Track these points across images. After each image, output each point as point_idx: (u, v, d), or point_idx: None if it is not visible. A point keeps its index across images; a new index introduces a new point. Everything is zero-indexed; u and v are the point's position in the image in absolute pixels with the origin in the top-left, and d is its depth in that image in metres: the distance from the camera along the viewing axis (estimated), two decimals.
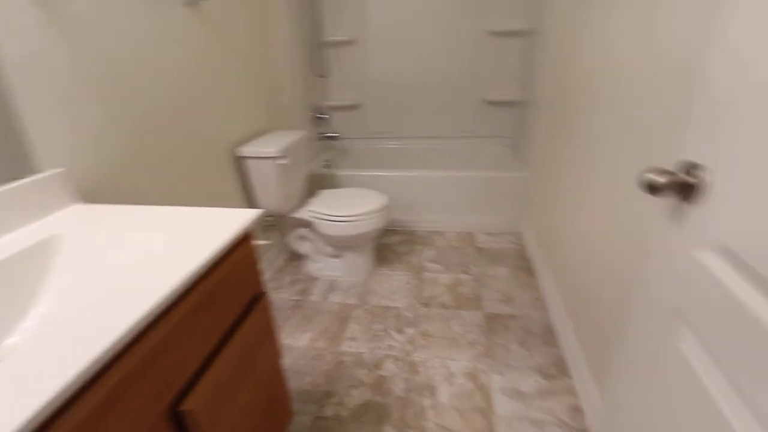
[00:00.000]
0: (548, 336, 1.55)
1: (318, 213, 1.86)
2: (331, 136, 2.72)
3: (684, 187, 0.60)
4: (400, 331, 1.63)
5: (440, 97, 2.62)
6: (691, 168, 0.60)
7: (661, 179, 0.60)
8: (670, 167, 0.62)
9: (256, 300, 0.93)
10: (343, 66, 2.62)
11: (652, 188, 0.61)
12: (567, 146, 1.56)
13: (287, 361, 1.52)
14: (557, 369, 1.41)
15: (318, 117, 2.59)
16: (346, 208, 1.83)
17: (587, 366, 1.26)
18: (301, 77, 2.19)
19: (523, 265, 2.00)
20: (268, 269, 2.03)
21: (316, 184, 2.41)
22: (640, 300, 0.75)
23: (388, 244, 2.29)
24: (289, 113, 2.20)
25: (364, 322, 1.70)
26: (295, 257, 2.19)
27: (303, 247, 2.06)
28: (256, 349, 0.93)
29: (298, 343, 1.60)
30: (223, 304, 0.79)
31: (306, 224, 1.96)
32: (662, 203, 0.68)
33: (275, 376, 1.05)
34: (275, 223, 2.04)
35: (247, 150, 1.70)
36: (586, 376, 1.25)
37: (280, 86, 2.11)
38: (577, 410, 1.25)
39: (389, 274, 2.01)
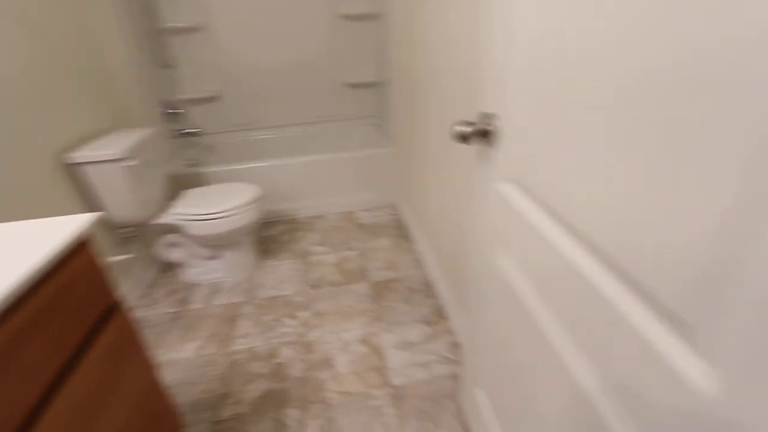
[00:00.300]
0: (428, 289, 1.73)
1: (185, 214, 1.72)
2: (191, 132, 2.50)
3: (485, 134, 0.73)
4: (292, 317, 1.63)
5: (303, 83, 2.62)
6: (488, 118, 0.73)
7: (468, 129, 0.73)
8: (474, 119, 0.75)
9: (109, 313, 0.84)
10: (193, 55, 2.41)
11: (463, 137, 0.73)
12: (415, 117, 1.72)
13: (174, 376, 1.40)
14: (438, 315, 1.58)
15: (170, 112, 2.35)
16: (216, 205, 1.73)
17: (459, 305, 1.45)
18: (139, 69, 1.96)
19: (401, 233, 2.17)
20: (137, 286, 1.81)
21: (181, 185, 2.20)
22: (473, 232, 0.89)
23: (271, 235, 2.24)
24: (131, 110, 1.95)
25: (254, 316, 1.65)
26: (168, 267, 1.99)
27: (175, 255, 1.89)
28: (120, 365, 0.85)
29: (183, 355, 1.49)
30: (63, 322, 0.70)
31: (173, 229, 1.80)
32: (474, 149, 0.82)
33: (152, 393, 0.97)
34: (136, 234, 1.82)
35: (82, 155, 1.48)
36: (459, 315, 1.44)
37: (115, 80, 1.86)
38: (455, 345, 1.44)
39: (275, 265, 1.98)
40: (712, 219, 0.32)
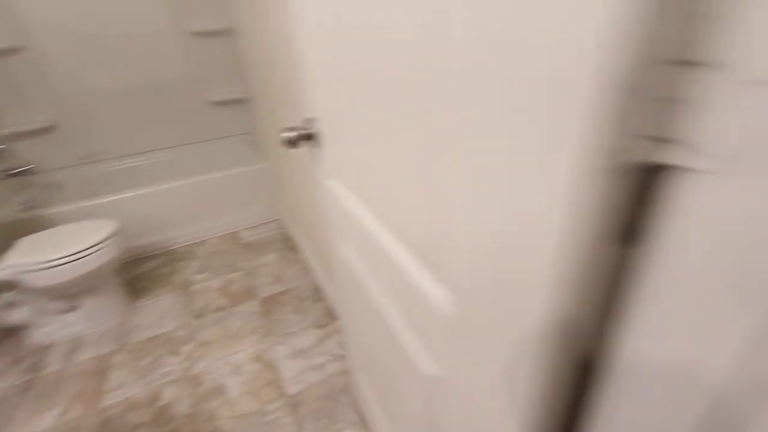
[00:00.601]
0: (317, 295, 1.76)
1: (20, 266, 1.48)
2: (22, 171, 2.15)
3: (310, 137, 0.79)
4: (174, 354, 1.52)
5: (161, 105, 2.43)
6: (310, 122, 0.80)
7: (292, 134, 0.78)
8: (298, 125, 0.81)
9: None
10: (12, 81, 2.07)
11: (290, 142, 0.78)
12: (276, 129, 1.75)
13: None
14: (329, 317, 1.62)
15: None
16: (62, 248, 1.51)
17: None
18: None
19: (288, 245, 2.16)
20: None
21: (17, 233, 1.87)
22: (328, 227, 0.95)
23: (144, 271, 2.04)
24: None
25: (129, 363, 1.49)
26: (9, 333, 1.68)
27: (16, 316, 1.60)
28: None
29: (40, 428, 1.28)
30: None
31: (9, 286, 1.53)
32: (306, 152, 0.88)
33: None
34: None
35: None
36: None
37: None
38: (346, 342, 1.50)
39: (151, 303, 1.81)
40: (426, 190, 0.41)
